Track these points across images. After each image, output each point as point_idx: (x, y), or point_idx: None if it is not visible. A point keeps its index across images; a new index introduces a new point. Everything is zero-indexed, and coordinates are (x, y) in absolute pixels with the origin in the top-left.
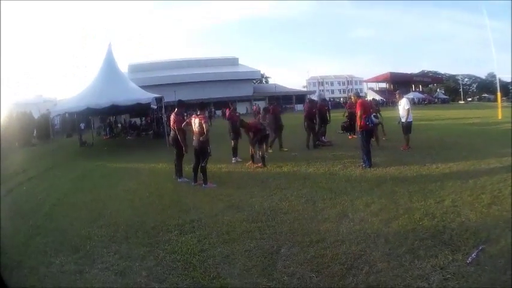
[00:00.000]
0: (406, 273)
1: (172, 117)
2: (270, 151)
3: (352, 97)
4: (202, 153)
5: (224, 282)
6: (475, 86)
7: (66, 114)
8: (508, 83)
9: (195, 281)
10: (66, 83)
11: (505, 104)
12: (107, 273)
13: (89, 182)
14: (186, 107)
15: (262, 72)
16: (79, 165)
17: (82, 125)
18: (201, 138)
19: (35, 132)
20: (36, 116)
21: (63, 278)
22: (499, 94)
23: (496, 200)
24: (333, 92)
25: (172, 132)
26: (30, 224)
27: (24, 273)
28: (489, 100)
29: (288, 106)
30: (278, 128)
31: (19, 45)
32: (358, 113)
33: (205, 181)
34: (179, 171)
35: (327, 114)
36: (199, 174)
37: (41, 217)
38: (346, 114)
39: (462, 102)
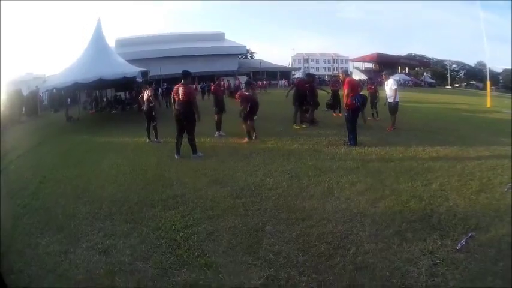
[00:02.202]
0: (394, 256)
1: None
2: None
3: (340, 75)
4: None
5: (209, 260)
6: (463, 72)
7: (54, 90)
8: (498, 73)
9: (179, 259)
10: (55, 59)
11: (494, 93)
12: (91, 253)
13: (74, 158)
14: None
15: (248, 47)
16: (65, 141)
17: (68, 100)
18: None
19: (23, 109)
20: (25, 93)
21: (49, 260)
22: (488, 83)
23: (485, 187)
24: (318, 69)
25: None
26: (18, 204)
27: (13, 257)
28: (477, 88)
29: (273, 82)
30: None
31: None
32: (346, 91)
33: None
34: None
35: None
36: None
37: (28, 196)
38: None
39: (449, 87)
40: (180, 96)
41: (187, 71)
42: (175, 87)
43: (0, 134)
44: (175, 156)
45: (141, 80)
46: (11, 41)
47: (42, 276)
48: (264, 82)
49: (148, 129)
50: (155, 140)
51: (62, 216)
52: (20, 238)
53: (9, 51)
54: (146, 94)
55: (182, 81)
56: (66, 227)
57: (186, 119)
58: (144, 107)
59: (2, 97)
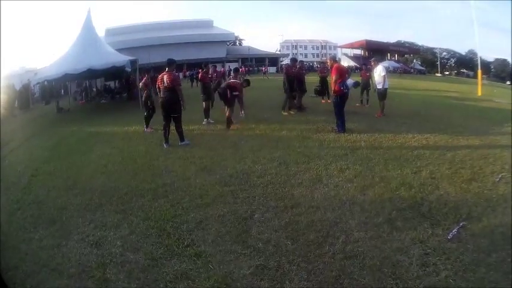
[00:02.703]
0: (384, 245)
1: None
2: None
3: (328, 61)
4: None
5: (198, 250)
6: (453, 60)
7: (45, 82)
8: (489, 62)
9: (169, 249)
10: (47, 51)
11: (485, 82)
12: (82, 245)
13: (65, 149)
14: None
15: (236, 34)
16: (55, 133)
17: (62, 91)
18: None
19: (16, 103)
20: (18, 87)
21: (42, 254)
22: (479, 71)
23: (476, 176)
24: (306, 56)
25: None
26: (11, 199)
27: (9, 253)
28: (468, 76)
29: (261, 68)
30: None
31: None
32: (334, 77)
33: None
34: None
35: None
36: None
37: (21, 190)
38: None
39: (439, 75)
40: (166, 84)
41: (172, 59)
42: (160, 75)
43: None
44: (164, 146)
45: (130, 69)
46: (2, 35)
47: (37, 271)
48: (243, 68)
49: (146, 118)
50: (145, 129)
51: (54, 209)
52: (14, 234)
53: (1, 47)
54: (143, 82)
55: (167, 69)
56: (58, 220)
57: (172, 107)
58: (144, 95)
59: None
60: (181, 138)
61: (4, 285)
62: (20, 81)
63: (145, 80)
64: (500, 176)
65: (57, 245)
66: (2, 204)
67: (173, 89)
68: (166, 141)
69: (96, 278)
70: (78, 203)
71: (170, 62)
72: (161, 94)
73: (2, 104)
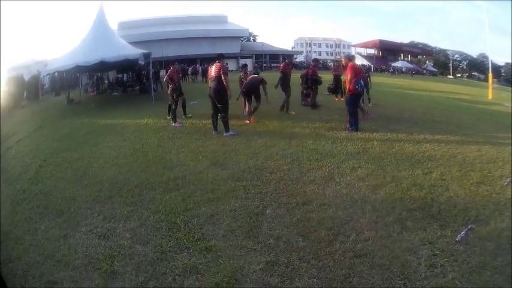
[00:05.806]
0: (394, 245)
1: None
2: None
3: (343, 60)
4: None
5: (209, 244)
6: (465, 63)
7: (56, 73)
8: (500, 66)
9: (179, 243)
10: (57, 43)
11: (496, 86)
12: (90, 236)
13: (75, 140)
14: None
15: (250, 30)
16: (65, 124)
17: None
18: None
19: (25, 94)
20: (26, 78)
21: (48, 245)
22: (490, 75)
23: (485, 179)
24: (320, 53)
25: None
26: (17, 189)
27: (11, 244)
28: (479, 79)
29: (274, 65)
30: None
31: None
32: (349, 76)
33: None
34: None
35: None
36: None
37: (27, 181)
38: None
39: (451, 77)
40: (212, 74)
41: (221, 53)
42: (209, 66)
43: (0, 121)
44: (213, 133)
45: (143, 62)
46: (12, 26)
47: (41, 262)
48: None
49: (173, 111)
50: (172, 123)
51: (62, 200)
52: (19, 224)
53: (10, 37)
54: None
55: (217, 61)
56: (65, 211)
57: (217, 96)
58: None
59: (2, 83)
60: (226, 129)
61: (1, 281)
62: (28, 72)
63: (170, 72)
64: (508, 180)
65: (64, 236)
66: (6, 194)
67: (219, 79)
68: (215, 129)
69: (103, 270)
70: (87, 194)
71: (220, 56)
72: (209, 84)
73: (9, 95)
